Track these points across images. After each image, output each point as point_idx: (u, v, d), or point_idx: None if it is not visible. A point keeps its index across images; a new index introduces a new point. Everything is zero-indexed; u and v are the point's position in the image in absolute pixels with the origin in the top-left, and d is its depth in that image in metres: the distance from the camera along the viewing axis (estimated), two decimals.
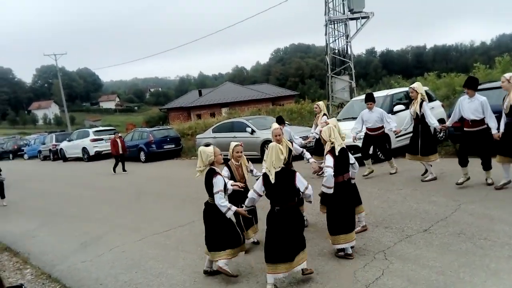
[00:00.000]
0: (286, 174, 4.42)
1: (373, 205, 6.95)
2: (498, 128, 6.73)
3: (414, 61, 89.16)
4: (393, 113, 10.73)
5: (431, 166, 8.14)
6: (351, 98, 17.96)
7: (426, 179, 8.13)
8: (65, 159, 25.89)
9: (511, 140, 6.50)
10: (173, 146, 20.47)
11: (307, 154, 6.62)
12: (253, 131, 14.36)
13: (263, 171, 4.67)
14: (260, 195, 4.60)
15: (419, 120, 8.07)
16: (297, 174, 4.46)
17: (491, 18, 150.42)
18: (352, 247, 4.97)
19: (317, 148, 10.00)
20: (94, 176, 16.95)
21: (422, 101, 8.04)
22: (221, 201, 4.65)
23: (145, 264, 5.83)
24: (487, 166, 7.03)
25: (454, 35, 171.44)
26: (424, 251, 4.82)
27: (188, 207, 8.92)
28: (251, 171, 5.89)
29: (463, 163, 7.16)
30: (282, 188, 4.36)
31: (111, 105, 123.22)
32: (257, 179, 5.71)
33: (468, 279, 4.02)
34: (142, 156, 20.09)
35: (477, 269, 4.20)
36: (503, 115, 6.69)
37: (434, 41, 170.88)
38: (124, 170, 16.65)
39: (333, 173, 4.79)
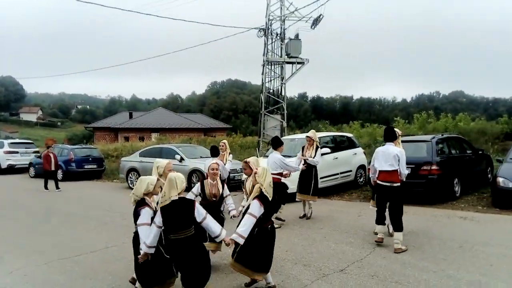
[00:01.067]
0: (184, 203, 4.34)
1: (294, 242, 7.04)
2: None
3: (341, 109, 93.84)
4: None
5: (311, 204, 9.01)
6: (281, 137, 18.44)
7: (308, 215, 8.96)
8: None
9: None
10: (95, 166, 19.55)
11: (231, 204, 5.93)
12: (182, 159, 14.13)
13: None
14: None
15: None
16: (196, 203, 4.43)
17: (412, 79, 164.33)
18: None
19: None
20: (1, 191, 15.56)
21: (317, 147, 8.90)
22: (142, 235, 4.30)
23: None
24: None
25: (379, 90, 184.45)
26: None
27: (103, 232, 8.43)
28: (226, 196, 5.83)
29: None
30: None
31: (32, 117, 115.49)
32: (230, 209, 5.76)
33: None
34: (60, 174, 18.87)
35: None
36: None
37: (360, 93, 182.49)
38: (57, 187, 15.25)
39: (253, 223, 4.59)
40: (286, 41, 20.45)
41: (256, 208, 4.57)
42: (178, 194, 4.19)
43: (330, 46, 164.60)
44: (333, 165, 11.66)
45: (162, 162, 5.25)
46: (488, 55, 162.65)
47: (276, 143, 8.18)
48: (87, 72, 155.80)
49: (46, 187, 15.35)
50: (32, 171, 20.81)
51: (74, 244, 7.51)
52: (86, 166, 19.07)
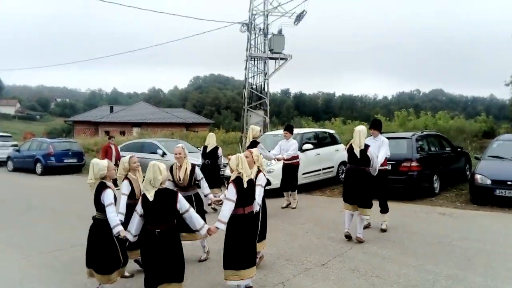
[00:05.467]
0: (167, 194, 4.27)
1: (276, 237, 7.06)
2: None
3: (324, 106, 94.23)
4: (302, 150, 11.20)
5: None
6: (264, 132, 18.47)
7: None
8: None
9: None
10: (75, 160, 19.19)
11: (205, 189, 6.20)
12: (164, 154, 14.04)
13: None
14: (142, 216, 4.33)
15: None
16: (179, 195, 4.34)
17: (393, 77, 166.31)
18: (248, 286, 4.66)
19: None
20: None
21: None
22: (113, 215, 4.46)
23: (27, 286, 5.26)
24: (384, 209, 7.38)
25: (360, 87, 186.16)
26: (320, 285, 4.97)
27: (83, 226, 8.20)
28: None
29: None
30: (161, 208, 4.17)
31: (10, 110, 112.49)
32: None
33: None
34: (39, 168, 18.55)
35: None
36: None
37: (342, 90, 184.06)
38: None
39: (232, 207, 4.45)
40: (269, 36, 20.48)
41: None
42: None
43: (313, 42, 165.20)
44: (315, 161, 11.74)
45: (125, 158, 5.48)
46: (467, 54, 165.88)
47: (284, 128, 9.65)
48: (66, 64, 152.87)
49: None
50: (10, 165, 20.36)
51: (54, 239, 7.40)
52: (65, 160, 18.70)
